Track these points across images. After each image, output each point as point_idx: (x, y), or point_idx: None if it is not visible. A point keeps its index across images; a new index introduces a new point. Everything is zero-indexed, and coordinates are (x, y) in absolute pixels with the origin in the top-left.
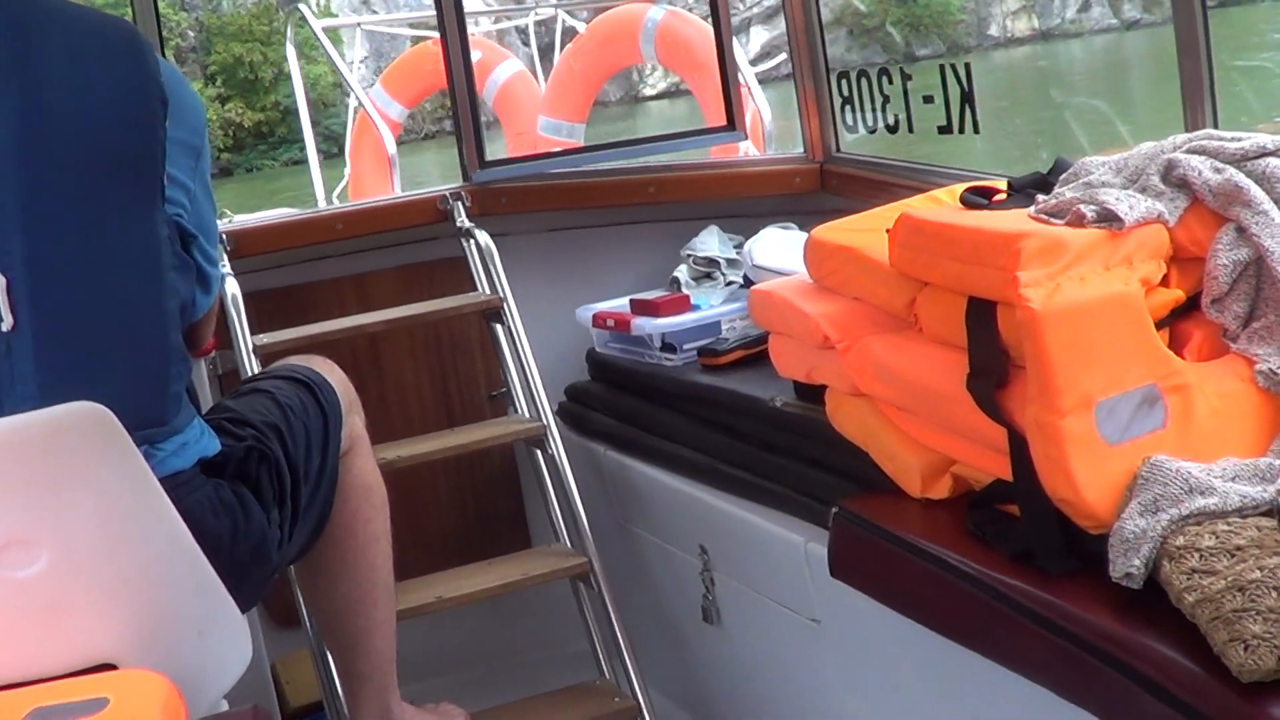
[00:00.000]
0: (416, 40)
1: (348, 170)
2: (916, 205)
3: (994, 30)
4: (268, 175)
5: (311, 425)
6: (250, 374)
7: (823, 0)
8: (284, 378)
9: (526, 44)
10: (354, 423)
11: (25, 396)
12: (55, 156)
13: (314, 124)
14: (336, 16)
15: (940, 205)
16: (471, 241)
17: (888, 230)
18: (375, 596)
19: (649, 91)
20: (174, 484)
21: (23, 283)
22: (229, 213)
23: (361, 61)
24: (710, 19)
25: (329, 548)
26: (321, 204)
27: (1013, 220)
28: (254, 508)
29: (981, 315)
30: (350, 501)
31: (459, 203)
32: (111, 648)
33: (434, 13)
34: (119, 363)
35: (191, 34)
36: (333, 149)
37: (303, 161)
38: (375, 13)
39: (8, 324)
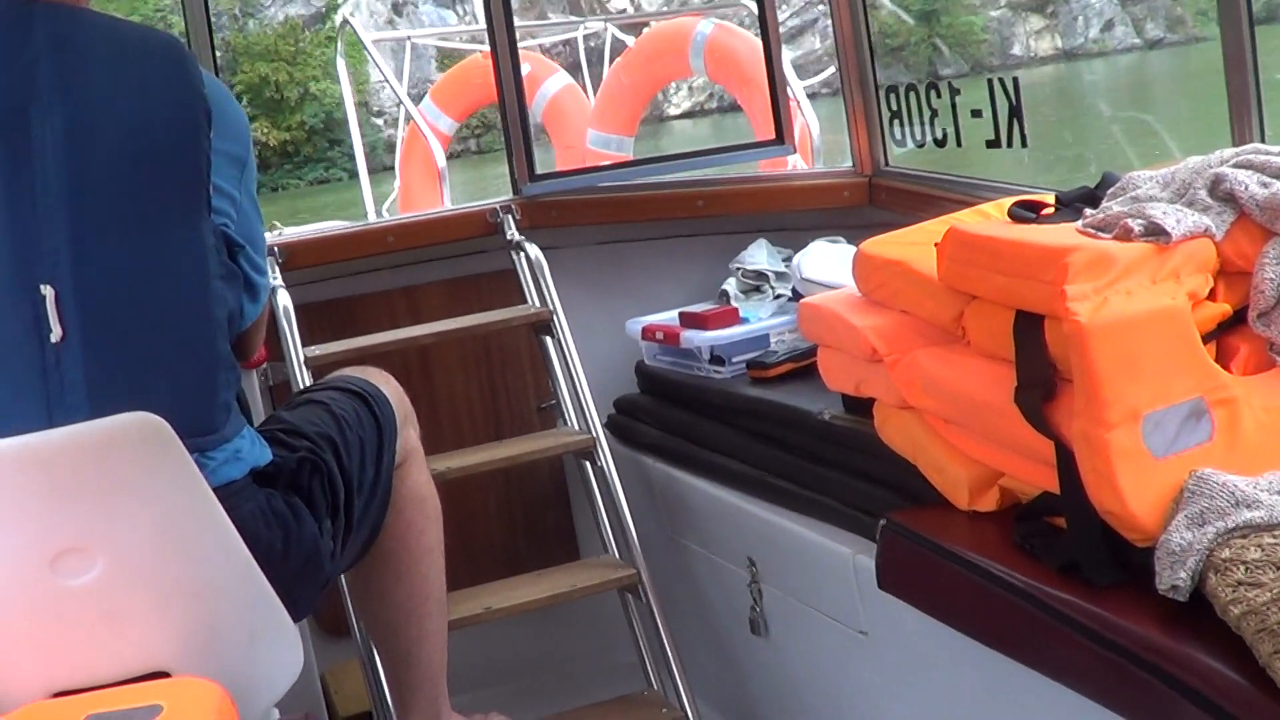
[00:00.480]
0: (443, 56)
1: (397, 183)
2: (965, 219)
3: (1017, 50)
4: (293, 195)
5: (366, 437)
6: (301, 386)
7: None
8: (339, 389)
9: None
10: (409, 435)
11: (75, 406)
12: (101, 169)
13: (339, 143)
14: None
15: (988, 219)
16: (521, 254)
17: (936, 244)
18: (428, 608)
19: (673, 111)
20: (227, 493)
21: (70, 294)
22: (279, 224)
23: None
24: (759, 33)
25: (382, 559)
26: (371, 217)
27: (1060, 234)
28: (306, 518)
29: (1029, 328)
30: (404, 513)
31: (509, 215)
32: (165, 655)
33: (467, 27)
34: (167, 371)
35: (218, 54)
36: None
37: (327, 181)
38: (396, 30)
39: (56, 335)
